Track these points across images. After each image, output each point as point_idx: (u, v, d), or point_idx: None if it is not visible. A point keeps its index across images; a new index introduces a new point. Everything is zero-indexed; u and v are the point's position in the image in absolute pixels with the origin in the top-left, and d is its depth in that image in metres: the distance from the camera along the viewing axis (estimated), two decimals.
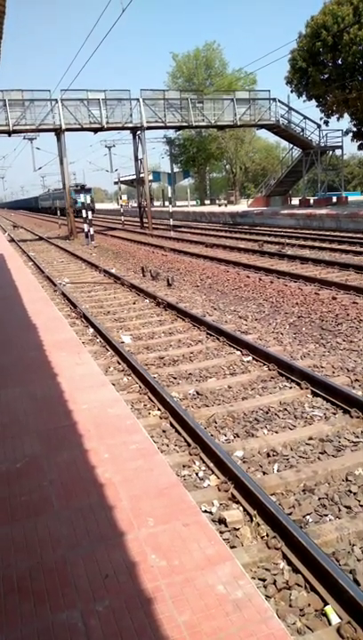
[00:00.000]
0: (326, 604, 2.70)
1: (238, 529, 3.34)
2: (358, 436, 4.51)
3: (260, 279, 11.46)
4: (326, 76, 28.70)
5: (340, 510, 3.54)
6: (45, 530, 2.94)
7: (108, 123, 27.89)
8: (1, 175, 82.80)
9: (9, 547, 2.82)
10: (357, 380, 5.72)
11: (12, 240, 28.20)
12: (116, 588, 2.47)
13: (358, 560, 3.05)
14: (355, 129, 31.01)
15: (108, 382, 5.30)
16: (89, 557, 2.70)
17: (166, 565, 2.60)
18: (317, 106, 30.96)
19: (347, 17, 25.52)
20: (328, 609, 2.65)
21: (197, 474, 4.06)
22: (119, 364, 6.67)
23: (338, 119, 31.29)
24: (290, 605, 2.74)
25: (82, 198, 42.76)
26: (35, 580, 2.56)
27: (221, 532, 3.27)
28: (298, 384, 5.60)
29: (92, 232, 23.75)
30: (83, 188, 49.45)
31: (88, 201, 32.54)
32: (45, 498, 3.26)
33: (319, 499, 3.67)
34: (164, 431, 4.79)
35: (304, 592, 2.82)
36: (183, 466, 4.17)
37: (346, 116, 30.42)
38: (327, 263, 13.16)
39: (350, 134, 31.65)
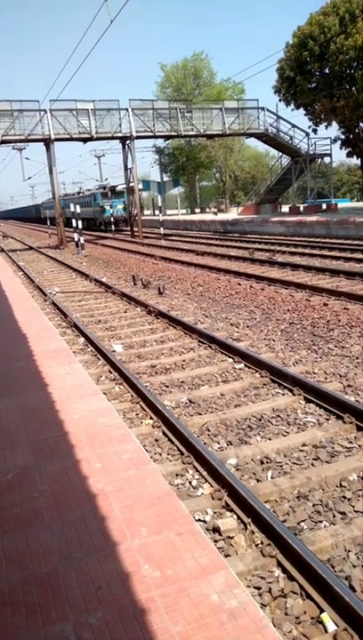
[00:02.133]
0: (322, 611, 2.67)
1: (233, 537, 3.30)
2: (351, 442, 4.50)
3: (251, 286, 11.48)
4: (313, 84, 29.01)
5: (334, 516, 3.52)
6: (37, 542, 2.90)
7: (97, 132, 28.00)
8: None
9: (0, 559, 2.78)
10: (349, 385, 5.72)
11: (1, 250, 28.13)
12: (110, 600, 2.43)
13: (354, 566, 3.03)
14: (343, 137, 31.32)
15: (99, 392, 5.27)
16: (81, 569, 2.66)
17: (160, 575, 2.57)
18: (305, 114, 31.27)
19: (333, 27, 25.86)
20: (324, 616, 2.63)
21: (190, 482, 4.03)
22: (111, 373, 6.63)
23: (326, 127, 31.61)
24: (286, 613, 2.71)
25: (115, 205, 35.53)
26: (26, 593, 2.52)
27: (215, 541, 3.24)
28: (291, 390, 5.60)
29: (82, 241, 23.72)
30: (113, 191, 38.32)
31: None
32: (37, 509, 3.22)
33: (314, 505, 3.65)
34: (156, 440, 4.75)
35: (300, 600, 2.79)
36: (176, 475, 4.14)
37: (334, 123, 30.73)
38: (318, 270, 13.21)
39: (339, 142, 31.96)
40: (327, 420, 4.96)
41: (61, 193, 56.63)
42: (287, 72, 28.94)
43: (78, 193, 49.06)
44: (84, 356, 7.48)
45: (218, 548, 2.99)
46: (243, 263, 16.12)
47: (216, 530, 3.37)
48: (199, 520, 3.51)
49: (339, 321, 8.23)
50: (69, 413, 4.66)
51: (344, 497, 3.73)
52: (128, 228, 34.21)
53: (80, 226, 23.46)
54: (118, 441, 4.08)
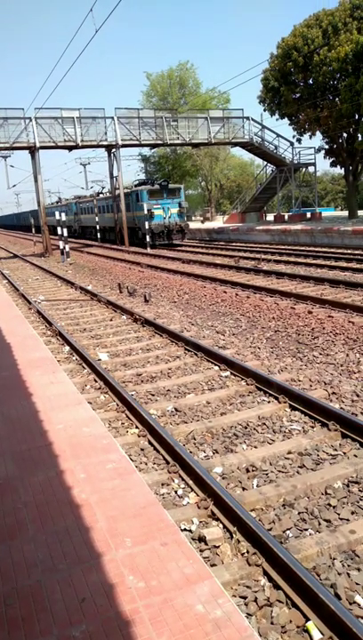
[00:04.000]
0: (307, 619, 2.67)
1: (218, 546, 3.29)
2: (336, 449, 4.52)
3: (236, 294, 11.52)
4: (297, 95, 29.35)
5: (320, 524, 3.53)
6: (20, 554, 2.86)
7: (82, 141, 27.99)
8: None
9: None
10: (334, 392, 5.75)
11: None
12: (94, 612, 2.40)
13: (339, 574, 3.03)
14: (327, 146, 31.63)
15: (84, 401, 5.24)
16: (65, 581, 2.63)
17: (144, 586, 2.55)
18: (289, 124, 31.57)
19: (316, 39, 26.21)
20: (310, 625, 2.62)
21: (176, 492, 4.01)
22: (96, 381, 6.59)
23: (310, 137, 31.90)
24: (271, 623, 2.70)
25: (168, 208, 26.55)
26: (9, 607, 2.48)
27: (201, 551, 3.23)
28: (276, 398, 5.61)
29: (67, 249, 23.63)
30: (166, 187, 28.33)
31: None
32: (20, 521, 3.18)
33: (299, 513, 3.66)
34: (142, 449, 4.73)
35: (286, 608, 2.78)
36: (162, 484, 4.12)
37: (318, 133, 31.05)
38: (303, 278, 13.31)
39: (323, 151, 32.31)
40: (312, 427, 4.98)
41: (71, 196, 53.97)
42: (272, 82, 29.26)
43: (99, 194, 39.10)
44: (68, 364, 7.44)
45: (204, 558, 2.97)
46: (229, 271, 16.18)
47: (202, 539, 3.35)
48: (185, 530, 3.49)
49: (323, 329, 8.29)
50: (53, 423, 4.62)
51: (329, 504, 3.74)
52: (184, 243, 27.08)
53: (65, 234, 23.36)
54: (103, 451, 4.05)
